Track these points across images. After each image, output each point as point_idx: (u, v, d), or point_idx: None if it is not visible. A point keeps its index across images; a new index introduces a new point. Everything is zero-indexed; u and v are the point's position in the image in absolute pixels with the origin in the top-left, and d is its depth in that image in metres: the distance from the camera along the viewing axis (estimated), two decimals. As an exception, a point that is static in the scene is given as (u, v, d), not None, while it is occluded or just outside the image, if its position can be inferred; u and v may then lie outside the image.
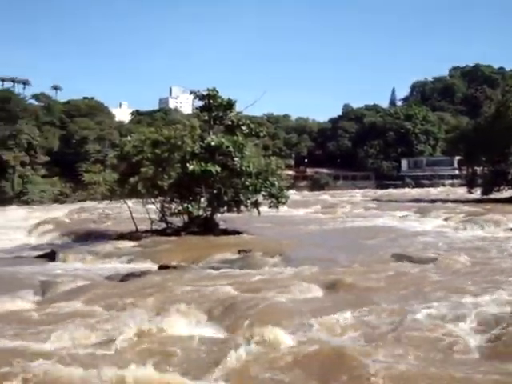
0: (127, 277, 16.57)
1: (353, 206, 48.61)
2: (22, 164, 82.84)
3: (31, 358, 8.23)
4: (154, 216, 28.68)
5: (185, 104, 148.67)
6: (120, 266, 20.33)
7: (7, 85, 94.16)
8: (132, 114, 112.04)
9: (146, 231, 27.84)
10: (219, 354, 8.44)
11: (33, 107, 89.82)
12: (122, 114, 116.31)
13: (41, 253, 24.40)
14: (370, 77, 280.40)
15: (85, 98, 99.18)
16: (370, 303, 11.59)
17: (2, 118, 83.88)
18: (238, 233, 27.17)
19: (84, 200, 62.16)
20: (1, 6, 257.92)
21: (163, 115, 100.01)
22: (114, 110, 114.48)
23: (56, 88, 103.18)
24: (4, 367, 7.85)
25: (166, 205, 28.54)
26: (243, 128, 28.67)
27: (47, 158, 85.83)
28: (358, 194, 76.21)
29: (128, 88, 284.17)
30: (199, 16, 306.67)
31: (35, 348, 9.05)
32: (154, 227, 28.23)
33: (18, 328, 10.49)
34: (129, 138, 29.16)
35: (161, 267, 18.64)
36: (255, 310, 10.87)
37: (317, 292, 13.23)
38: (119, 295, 13.20)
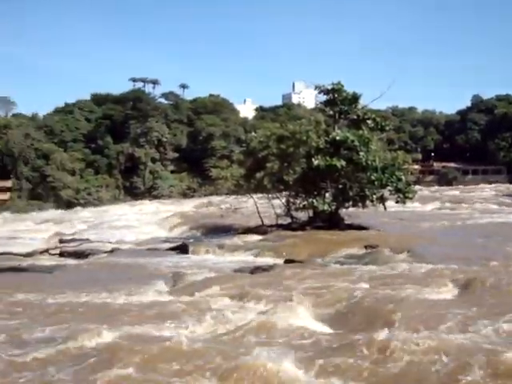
0: (255, 270, 16.89)
1: (484, 202, 46.39)
2: (153, 160, 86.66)
3: (161, 344, 8.56)
4: (280, 211, 28.98)
5: (308, 99, 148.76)
6: (247, 259, 20.77)
7: (138, 85, 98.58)
8: (256, 110, 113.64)
9: (272, 225, 28.20)
10: (339, 352, 8.29)
11: (162, 106, 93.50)
12: (247, 111, 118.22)
13: (172, 245, 25.44)
14: (501, 66, 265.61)
15: (211, 95, 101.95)
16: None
17: (134, 116, 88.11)
18: (364, 228, 26.78)
19: (210, 194, 64.17)
20: (132, 11, 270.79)
21: (286, 110, 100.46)
22: (239, 107, 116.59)
23: (183, 86, 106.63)
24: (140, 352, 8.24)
25: (291, 199, 28.72)
26: (369, 122, 28.24)
27: (176, 155, 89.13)
28: (488, 189, 72.70)
29: (252, 85, 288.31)
30: (324, 11, 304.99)
31: (165, 335, 9.40)
32: (280, 222, 28.53)
33: (153, 316, 10.98)
34: (254, 133, 29.66)
35: (287, 261, 18.81)
36: (387, 308, 10.63)
37: (452, 291, 12.59)
38: (248, 287, 13.46)
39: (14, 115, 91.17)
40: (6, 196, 78.66)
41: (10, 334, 9.82)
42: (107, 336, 9.24)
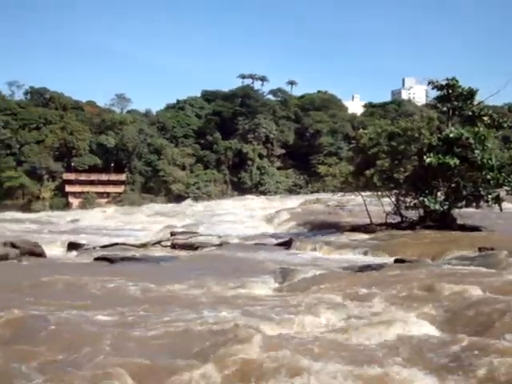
0: (364, 268, 16.60)
1: None
2: (260, 156, 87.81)
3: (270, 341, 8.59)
4: (389, 209, 28.42)
5: (418, 95, 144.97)
6: (355, 258, 20.51)
7: (247, 81, 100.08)
8: (364, 106, 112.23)
9: (380, 224, 27.70)
10: (468, 359, 7.94)
11: (270, 102, 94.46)
12: (355, 107, 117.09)
13: (279, 241, 25.61)
14: None
15: (319, 91, 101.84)
16: None
17: (243, 112, 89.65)
18: (477, 229, 25.67)
19: (317, 191, 63.99)
20: (240, 9, 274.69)
21: (396, 107, 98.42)
22: (347, 103, 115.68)
23: (291, 83, 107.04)
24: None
25: (401, 198, 28.09)
26: (485, 119, 27.01)
27: (283, 151, 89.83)
28: None
29: (360, 81, 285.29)
30: (439, 9, 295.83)
31: (267, 333, 9.42)
32: (389, 220, 27.97)
33: (260, 312, 11.06)
34: (363, 130, 29.23)
35: (396, 261, 18.37)
36: (505, 314, 10.10)
37: None
38: (356, 286, 13.25)
39: (128, 111, 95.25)
40: (120, 189, 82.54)
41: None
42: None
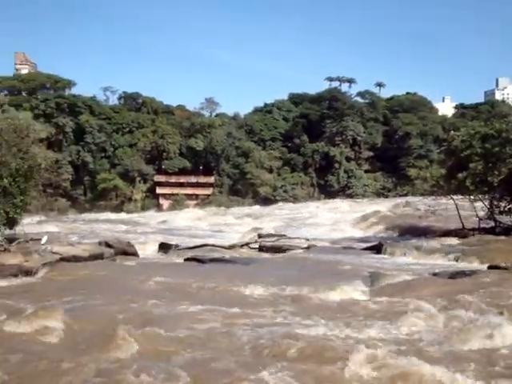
0: (456, 275, 16.12)
1: None
2: (347, 159, 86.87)
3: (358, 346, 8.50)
4: (482, 213, 27.45)
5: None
6: (446, 263, 19.97)
7: (334, 84, 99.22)
8: (455, 107, 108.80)
9: (473, 229, 26.79)
10: None
11: (358, 104, 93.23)
12: (445, 109, 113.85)
13: (368, 245, 25.28)
14: None
15: (407, 93, 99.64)
16: None
17: (330, 115, 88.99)
18: None
19: (405, 195, 62.62)
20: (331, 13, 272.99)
21: (489, 108, 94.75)
22: (437, 105, 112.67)
23: (379, 85, 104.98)
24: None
25: (495, 202, 27.04)
26: None
27: (370, 153, 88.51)
28: None
29: (451, 82, 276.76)
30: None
31: (362, 337, 9.33)
32: (482, 225, 27.01)
33: (354, 315, 10.98)
34: (455, 132, 28.38)
35: (491, 267, 17.72)
36: None
37: None
38: (450, 292, 12.93)
39: (217, 115, 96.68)
40: (209, 191, 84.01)
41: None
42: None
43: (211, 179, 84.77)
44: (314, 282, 14.84)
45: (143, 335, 9.38)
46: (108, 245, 21.61)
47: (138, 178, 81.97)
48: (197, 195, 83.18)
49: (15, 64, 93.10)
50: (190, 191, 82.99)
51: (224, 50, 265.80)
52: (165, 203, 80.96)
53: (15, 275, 16.99)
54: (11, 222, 25.94)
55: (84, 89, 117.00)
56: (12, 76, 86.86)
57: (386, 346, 8.50)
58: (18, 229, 26.41)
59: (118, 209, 74.51)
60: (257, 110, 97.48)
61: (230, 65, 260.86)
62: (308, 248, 25.02)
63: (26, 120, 26.53)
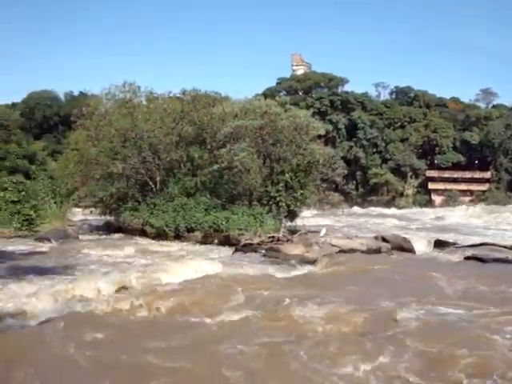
0: None
1: None
2: None
3: None
4: None
5: None
6: None
7: None
8: None
9: None
10: None
11: None
12: None
13: None
14: None
15: None
16: None
17: None
18: None
19: None
20: None
21: None
22: None
23: None
24: None
25: None
26: None
27: None
28: None
29: None
30: None
31: None
32: None
33: None
34: None
35: None
36: None
37: None
38: None
39: (494, 106, 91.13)
40: (484, 187, 79.55)
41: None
42: None
43: (487, 174, 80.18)
44: None
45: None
46: (384, 239, 21.71)
47: (410, 173, 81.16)
48: (471, 191, 79.40)
49: (292, 65, 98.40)
50: (463, 187, 79.50)
51: (497, 39, 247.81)
52: (437, 199, 78.86)
53: (297, 264, 18.06)
54: (292, 215, 27.72)
55: (356, 86, 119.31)
56: (289, 77, 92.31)
57: None
58: (298, 221, 28.12)
59: (388, 204, 74.66)
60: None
61: (507, 53, 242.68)
62: None
63: (306, 118, 27.92)
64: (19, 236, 26.15)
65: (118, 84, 30.66)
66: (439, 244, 23.94)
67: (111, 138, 29.61)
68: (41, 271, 14.67)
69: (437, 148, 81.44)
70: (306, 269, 17.44)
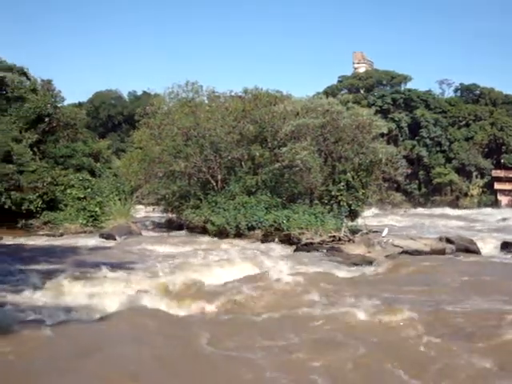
0: None
1: None
2: None
3: None
4: None
5: None
6: None
7: None
8: None
9: None
10: None
11: None
12: None
13: None
14: None
15: None
16: None
17: None
18: None
19: None
20: None
21: None
22: None
23: None
24: None
25: None
26: None
27: None
28: None
29: None
30: None
31: None
32: None
33: None
34: None
35: None
36: None
37: None
38: None
39: None
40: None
41: None
42: None
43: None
44: None
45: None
46: (449, 240, 21.22)
47: (475, 173, 79.05)
48: (539, 192, 76.73)
49: (353, 63, 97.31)
50: (531, 187, 76.91)
51: None
52: (503, 199, 76.52)
53: (359, 264, 17.85)
54: (353, 214, 27.44)
55: (419, 83, 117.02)
56: (351, 75, 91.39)
57: None
58: (359, 221, 27.81)
59: (452, 204, 72.90)
60: None
61: None
62: None
63: (369, 116, 27.59)
64: (85, 232, 26.98)
65: (180, 83, 31.24)
66: (506, 246, 23.21)
67: (174, 136, 30.08)
68: (107, 266, 15.01)
69: (503, 147, 79.04)
70: (368, 269, 17.22)
